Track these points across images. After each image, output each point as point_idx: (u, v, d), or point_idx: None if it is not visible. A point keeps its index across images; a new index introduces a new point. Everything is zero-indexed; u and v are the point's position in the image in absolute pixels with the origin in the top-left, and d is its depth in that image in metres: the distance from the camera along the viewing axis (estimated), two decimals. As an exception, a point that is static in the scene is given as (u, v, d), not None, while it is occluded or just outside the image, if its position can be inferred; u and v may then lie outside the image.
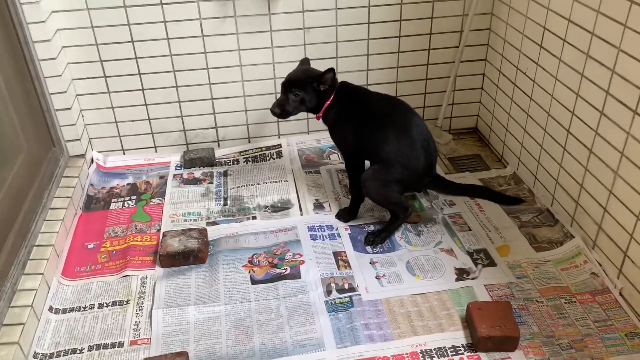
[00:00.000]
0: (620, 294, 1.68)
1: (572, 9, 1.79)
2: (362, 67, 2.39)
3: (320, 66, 1.95)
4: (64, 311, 1.69)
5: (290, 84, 1.85)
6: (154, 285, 1.77)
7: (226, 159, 2.43)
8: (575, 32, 1.79)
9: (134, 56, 2.22)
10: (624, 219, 1.65)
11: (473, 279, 1.76)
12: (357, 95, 1.90)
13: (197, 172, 2.34)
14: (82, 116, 2.32)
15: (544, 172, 2.07)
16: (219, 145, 2.49)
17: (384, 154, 1.82)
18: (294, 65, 2.05)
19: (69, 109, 2.17)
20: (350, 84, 1.94)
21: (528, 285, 1.73)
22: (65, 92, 2.14)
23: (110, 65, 2.23)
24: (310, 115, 2.46)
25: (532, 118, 2.12)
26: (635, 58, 1.55)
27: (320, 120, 1.93)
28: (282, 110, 1.86)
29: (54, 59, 2.06)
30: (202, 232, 1.90)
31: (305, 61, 1.96)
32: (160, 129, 2.41)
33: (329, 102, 1.87)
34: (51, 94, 2.11)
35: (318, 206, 2.12)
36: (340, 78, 2.36)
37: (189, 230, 1.91)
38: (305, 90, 1.84)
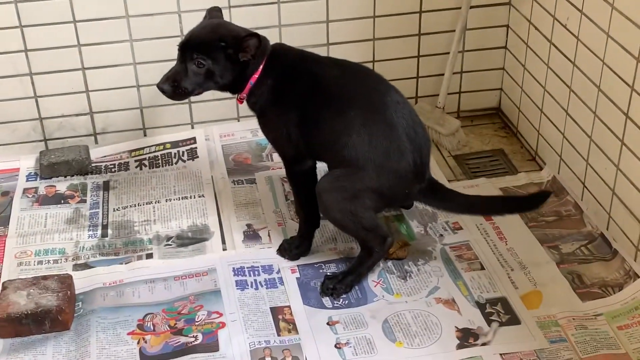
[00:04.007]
0: None
1: None
2: (318, 18, 2.43)
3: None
4: None
5: (191, 46, 1.87)
6: (-13, 368, 1.78)
7: (108, 163, 2.44)
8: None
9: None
10: None
11: (484, 344, 1.80)
12: (301, 64, 1.93)
13: (62, 185, 2.34)
14: None
15: (595, 177, 2.14)
16: (96, 142, 2.50)
17: (348, 150, 1.85)
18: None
19: None
20: (288, 48, 1.97)
21: (568, 354, 1.78)
22: None
23: None
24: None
25: (576, 94, 2.18)
26: None
27: (244, 103, 1.95)
28: (174, 87, 1.86)
29: None
30: (65, 282, 1.91)
31: (214, 12, 1.98)
32: (1, 117, 2.40)
33: (256, 75, 1.89)
34: None
35: (251, 235, 2.15)
36: (289, 33, 2.40)
37: (44, 278, 1.91)
38: (214, 57, 1.85)
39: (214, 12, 1.98)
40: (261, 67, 1.89)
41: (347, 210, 1.88)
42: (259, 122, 1.98)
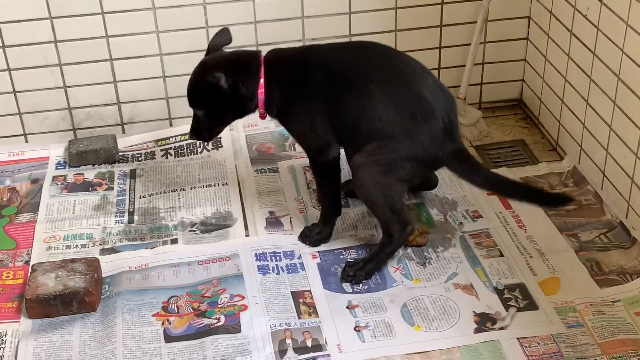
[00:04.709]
0: None
1: None
2: (341, 10, 2.47)
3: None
4: None
5: (188, 100, 1.99)
6: (17, 347, 1.83)
7: (135, 152, 2.50)
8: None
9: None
10: None
11: (501, 329, 1.83)
12: (305, 59, 1.98)
13: (90, 173, 2.41)
14: None
15: (615, 166, 2.16)
16: (123, 131, 2.56)
17: (376, 123, 1.89)
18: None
19: None
20: (283, 50, 2.03)
21: (584, 338, 1.80)
22: None
23: None
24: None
25: (596, 84, 2.20)
26: None
27: (268, 118, 2.02)
28: (197, 136, 2.05)
29: None
30: (92, 265, 1.96)
31: (214, 42, 2.04)
32: (32, 107, 2.48)
33: (261, 90, 1.94)
34: None
35: (273, 222, 2.20)
36: (312, 25, 2.43)
37: (72, 261, 1.97)
38: (202, 104, 1.97)
39: (213, 43, 2.04)
40: (262, 80, 1.94)
41: (381, 184, 1.92)
42: (282, 124, 2.05)
